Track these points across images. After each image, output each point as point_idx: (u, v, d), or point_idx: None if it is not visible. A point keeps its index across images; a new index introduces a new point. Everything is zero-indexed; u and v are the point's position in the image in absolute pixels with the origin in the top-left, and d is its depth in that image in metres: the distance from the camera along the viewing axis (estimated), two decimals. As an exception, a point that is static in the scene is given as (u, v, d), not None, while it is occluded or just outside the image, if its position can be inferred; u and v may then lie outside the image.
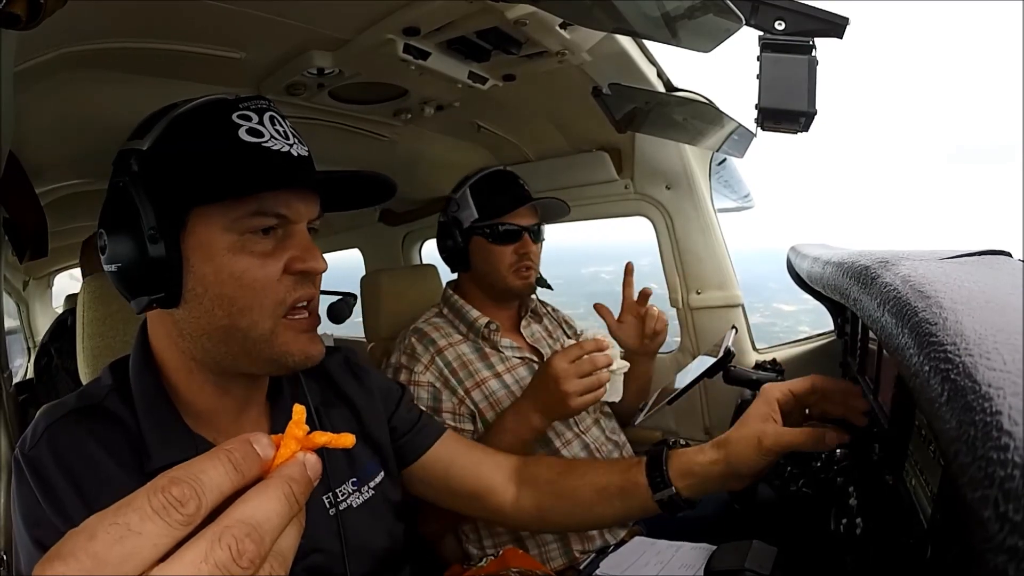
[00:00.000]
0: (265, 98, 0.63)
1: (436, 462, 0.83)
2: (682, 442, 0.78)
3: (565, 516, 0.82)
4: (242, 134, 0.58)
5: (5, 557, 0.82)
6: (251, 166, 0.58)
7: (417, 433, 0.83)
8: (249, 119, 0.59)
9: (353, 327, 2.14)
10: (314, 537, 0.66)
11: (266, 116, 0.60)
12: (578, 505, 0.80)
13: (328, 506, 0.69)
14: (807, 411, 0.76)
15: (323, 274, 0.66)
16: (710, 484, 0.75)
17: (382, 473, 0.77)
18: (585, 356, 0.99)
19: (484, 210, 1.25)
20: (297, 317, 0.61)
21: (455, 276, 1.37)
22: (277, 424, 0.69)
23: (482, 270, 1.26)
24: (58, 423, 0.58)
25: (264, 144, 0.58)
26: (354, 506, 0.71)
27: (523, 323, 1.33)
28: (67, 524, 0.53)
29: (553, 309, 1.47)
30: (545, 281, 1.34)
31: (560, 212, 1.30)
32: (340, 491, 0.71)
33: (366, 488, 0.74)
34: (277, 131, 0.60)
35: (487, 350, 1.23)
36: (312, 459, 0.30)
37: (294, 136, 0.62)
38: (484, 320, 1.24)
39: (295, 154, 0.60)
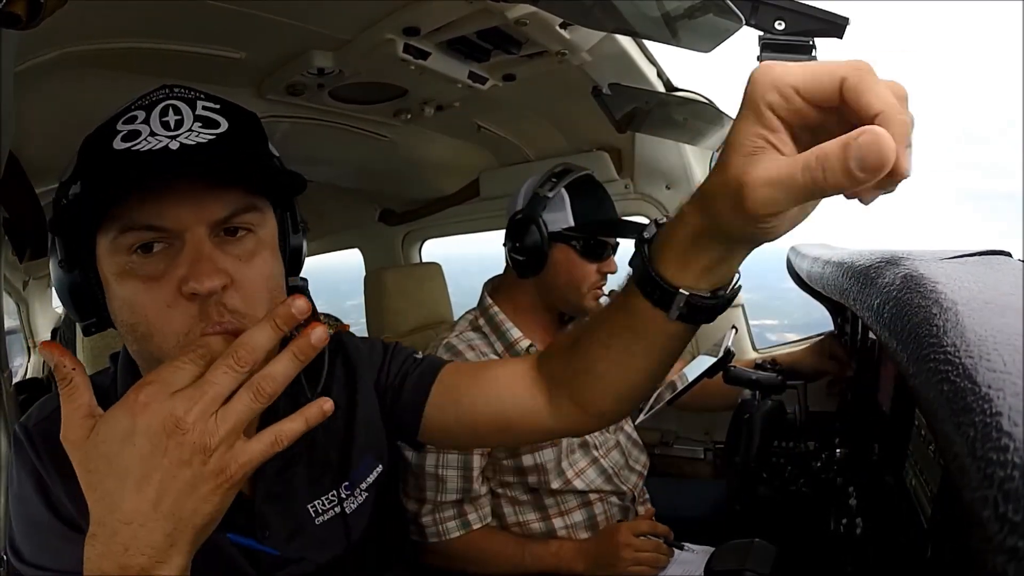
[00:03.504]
0: (178, 86, 0.55)
1: (441, 411, 0.70)
2: (661, 220, 0.52)
3: (603, 394, 0.62)
4: (116, 143, 0.50)
5: (5, 557, 0.82)
6: (97, 178, 0.51)
7: (410, 389, 0.72)
8: (133, 120, 0.51)
9: (355, 327, 2.14)
10: (301, 547, 0.64)
11: (157, 109, 0.51)
12: (601, 375, 0.60)
13: (314, 515, 0.66)
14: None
15: (311, 279, 0.61)
16: (715, 262, 0.47)
17: (379, 467, 0.72)
18: (652, 537, 1.05)
19: (582, 220, 1.12)
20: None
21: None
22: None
23: (560, 282, 1.14)
24: None
25: (134, 148, 0.50)
26: (346, 512, 0.68)
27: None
28: (76, 488, 0.52)
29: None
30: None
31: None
32: (329, 497, 0.67)
33: (359, 491, 0.70)
34: (165, 123, 0.51)
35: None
36: (300, 301, 0.42)
37: (198, 122, 0.52)
38: (526, 343, 1.14)
39: (174, 147, 0.50)
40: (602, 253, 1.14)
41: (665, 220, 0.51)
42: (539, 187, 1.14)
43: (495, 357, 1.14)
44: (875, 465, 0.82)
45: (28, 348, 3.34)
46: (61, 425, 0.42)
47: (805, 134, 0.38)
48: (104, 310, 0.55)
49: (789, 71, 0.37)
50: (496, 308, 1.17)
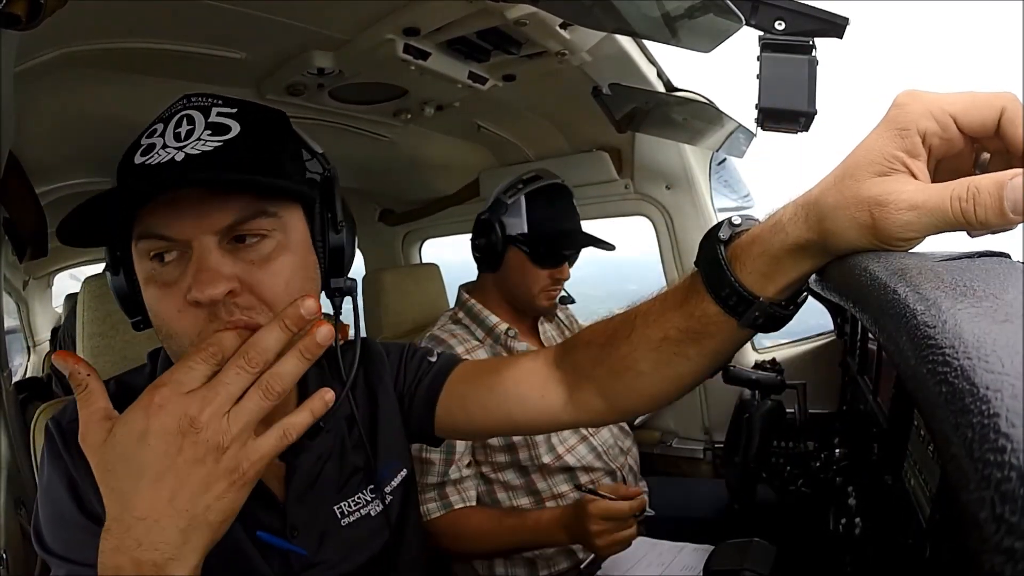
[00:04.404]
0: (197, 95, 0.56)
1: (450, 414, 0.72)
2: (736, 220, 0.50)
3: (640, 392, 0.59)
4: (136, 157, 0.53)
5: (5, 556, 0.82)
6: (116, 192, 0.51)
7: (423, 395, 0.73)
8: (153, 133, 0.54)
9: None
10: (329, 549, 0.64)
11: (173, 120, 0.54)
12: (643, 374, 0.57)
13: (341, 517, 0.66)
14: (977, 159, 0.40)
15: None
16: (806, 275, 0.47)
17: (404, 471, 0.73)
18: (616, 508, 0.99)
19: (536, 230, 1.19)
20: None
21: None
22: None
23: (513, 281, 1.23)
24: None
25: (148, 161, 0.52)
26: (372, 515, 0.68)
27: (539, 326, 1.32)
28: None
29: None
30: (568, 299, 1.32)
31: (606, 249, 1.27)
32: (356, 499, 0.68)
33: (384, 494, 0.70)
34: (177, 134, 0.52)
35: (504, 355, 1.21)
36: (309, 301, 0.45)
37: (208, 129, 0.53)
38: (504, 327, 1.22)
39: (179, 158, 0.51)
40: (553, 261, 1.20)
41: (740, 222, 0.50)
42: (503, 192, 1.23)
43: (476, 343, 1.20)
44: (874, 465, 0.82)
45: (28, 348, 3.34)
46: (79, 429, 0.44)
47: (932, 162, 0.38)
48: (143, 311, 0.57)
49: (946, 99, 0.37)
50: (473, 301, 1.26)
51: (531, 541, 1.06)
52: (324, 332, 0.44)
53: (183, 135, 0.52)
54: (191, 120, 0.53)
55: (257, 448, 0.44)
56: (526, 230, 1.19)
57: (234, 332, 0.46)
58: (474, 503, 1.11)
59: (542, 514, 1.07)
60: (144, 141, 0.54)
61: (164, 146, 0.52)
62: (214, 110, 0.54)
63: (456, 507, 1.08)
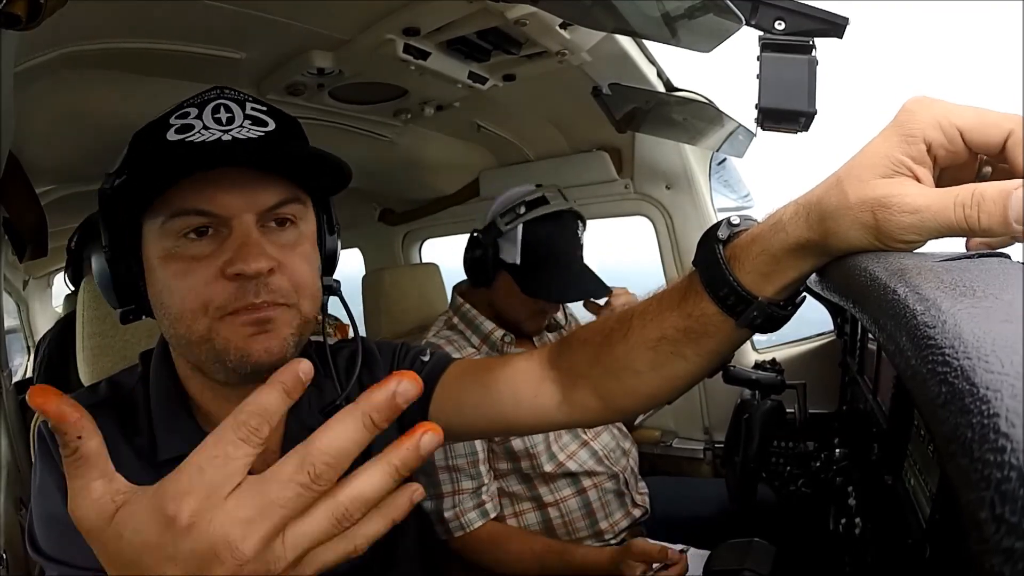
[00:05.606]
0: (228, 88, 0.58)
1: (443, 413, 0.70)
2: (735, 220, 0.50)
3: (636, 392, 0.59)
4: (169, 135, 0.53)
5: (5, 556, 0.82)
6: (151, 164, 0.52)
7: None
8: (186, 115, 0.54)
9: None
10: None
11: (209, 107, 0.55)
12: (639, 373, 0.57)
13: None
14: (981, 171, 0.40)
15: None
16: (805, 275, 0.47)
17: None
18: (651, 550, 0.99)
19: (529, 263, 1.14)
20: (241, 317, 0.53)
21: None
22: (291, 429, 0.63)
23: (502, 300, 1.20)
24: (93, 409, 0.55)
25: (188, 139, 0.52)
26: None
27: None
28: None
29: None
30: (558, 325, 1.30)
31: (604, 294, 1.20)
32: None
33: None
34: (217, 119, 0.54)
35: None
36: (407, 383, 0.34)
37: (248, 120, 0.55)
38: (499, 333, 1.19)
39: (227, 139, 0.53)
40: (544, 296, 1.15)
41: (739, 222, 0.50)
42: (501, 215, 1.16)
43: (472, 349, 1.18)
44: (874, 465, 0.82)
45: (28, 348, 3.34)
46: (69, 496, 0.34)
47: (936, 170, 0.39)
48: (143, 297, 0.57)
49: (956, 112, 0.37)
50: (468, 306, 1.22)
51: (576, 562, 1.04)
52: (429, 439, 0.36)
53: (224, 120, 0.54)
54: (229, 109, 0.55)
55: (317, 559, 0.34)
56: (519, 261, 1.13)
57: (279, 390, 0.33)
58: (499, 510, 1.11)
59: (589, 552, 1.05)
60: (176, 121, 0.54)
61: (205, 127, 0.53)
62: (248, 104, 0.57)
63: (492, 515, 1.08)
